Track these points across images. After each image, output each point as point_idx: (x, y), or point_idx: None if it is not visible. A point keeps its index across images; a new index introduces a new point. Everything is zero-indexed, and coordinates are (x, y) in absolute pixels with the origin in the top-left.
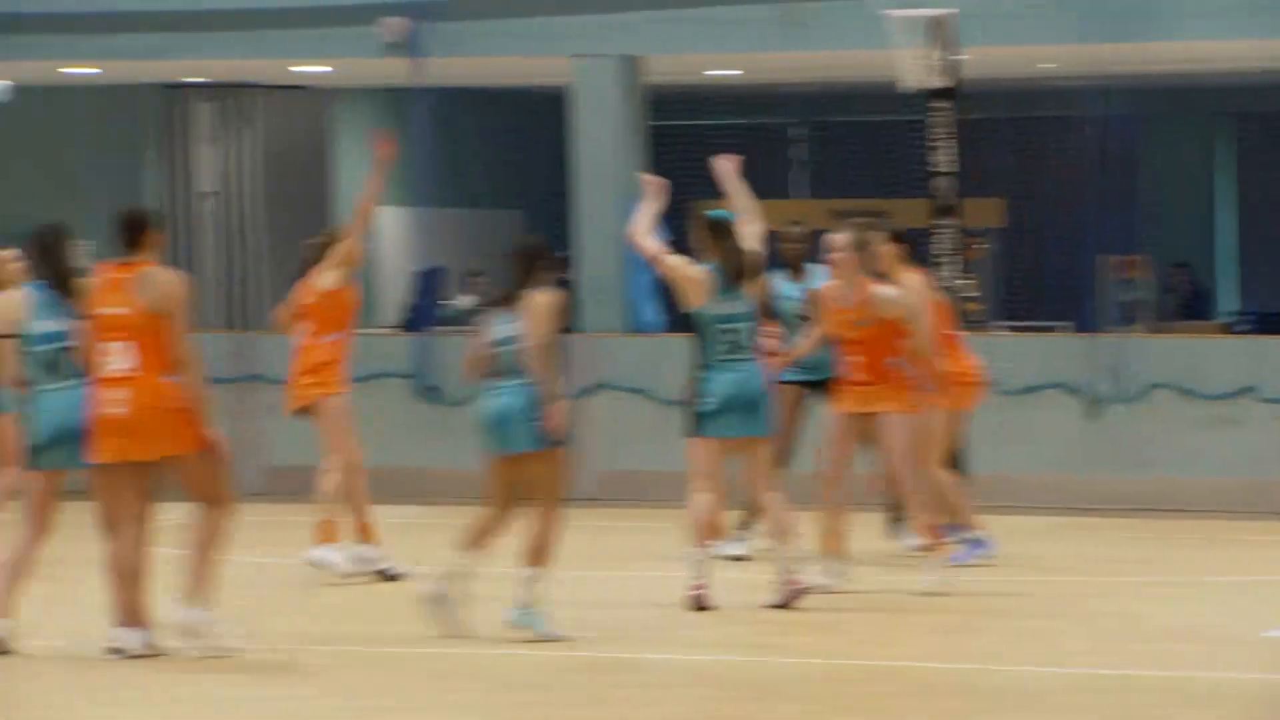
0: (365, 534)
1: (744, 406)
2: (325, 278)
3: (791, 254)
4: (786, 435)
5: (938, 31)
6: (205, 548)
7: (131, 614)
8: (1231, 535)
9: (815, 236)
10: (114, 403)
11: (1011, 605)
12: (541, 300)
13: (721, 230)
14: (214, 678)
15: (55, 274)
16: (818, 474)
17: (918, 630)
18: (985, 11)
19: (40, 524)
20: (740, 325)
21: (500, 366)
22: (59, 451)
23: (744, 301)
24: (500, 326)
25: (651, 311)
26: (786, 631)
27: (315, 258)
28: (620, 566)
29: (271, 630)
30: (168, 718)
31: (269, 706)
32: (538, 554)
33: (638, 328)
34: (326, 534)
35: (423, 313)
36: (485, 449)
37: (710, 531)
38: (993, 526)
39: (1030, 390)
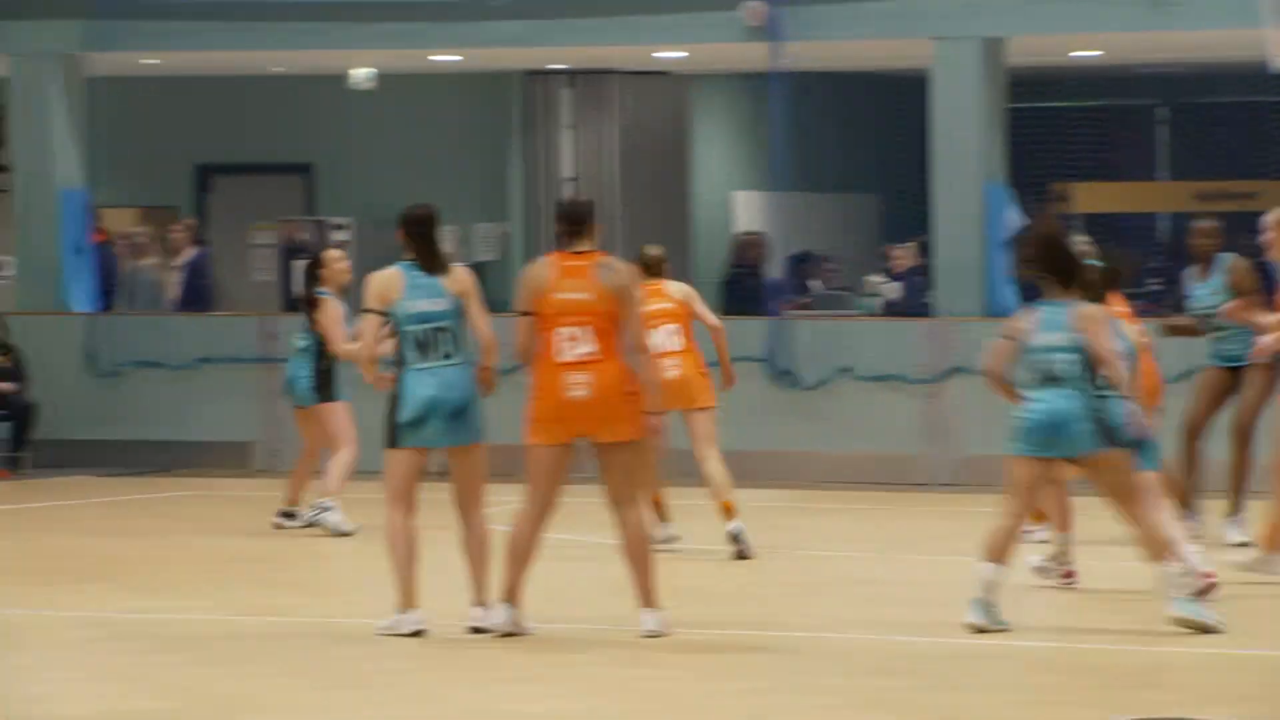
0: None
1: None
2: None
3: (1201, 249)
4: (1202, 420)
5: None
6: (644, 544)
7: (511, 593)
8: None
9: (1222, 228)
10: (576, 385)
11: None
12: (1093, 312)
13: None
14: (584, 657)
15: (427, 255)
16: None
17: None
18: None
19: (408, 503)
20: None
21: (1050, 372)
22: (425, 429)
23: None
24: (1047, 335)
25: (1010, 295)
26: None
27: None
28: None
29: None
30: (551, 696)
31: (646, 685)
32: (1158, 547)
33: (996, 311)
34: None
35: (783, 297)
36: (1029, 452)
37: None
38: None
39: None
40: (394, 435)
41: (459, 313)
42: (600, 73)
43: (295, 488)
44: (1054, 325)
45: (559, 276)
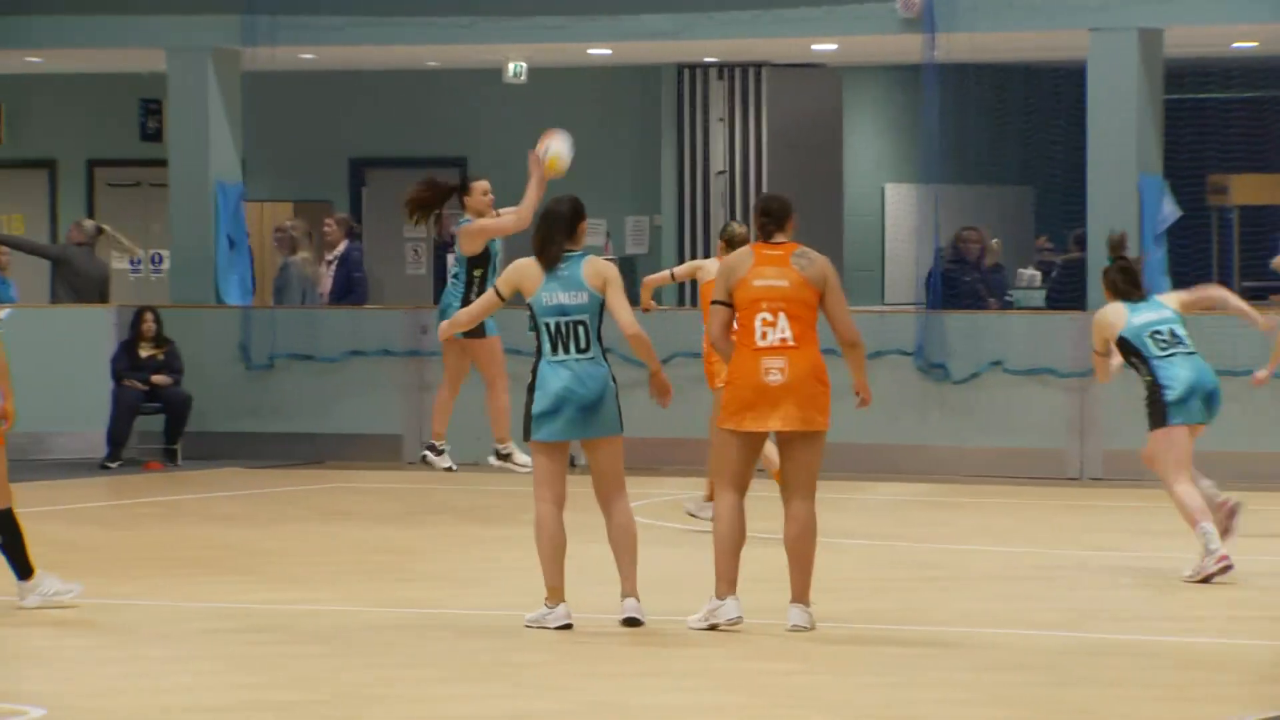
0: None
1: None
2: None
3: None
4: None
5: None
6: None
7: (729, 583)
8: None
9: None
10: (771, 371)
11: None
12: None
13: None
14: (720, 651)
15: (552, 249)
16: None
17: None
18: None
19: (555, 494)
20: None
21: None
22: (558, 421)
23: None
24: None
25: (1165, 286)
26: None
27: None
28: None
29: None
30: (681, 690)
31: (778, 680)
32: None
33: None
34: None
35: (936, 290)
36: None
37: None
38: None
39: None
40: (528, 427)
41: (598, 307)
42: (751, 65)
43: (439, 421)
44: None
45: (757, 265)
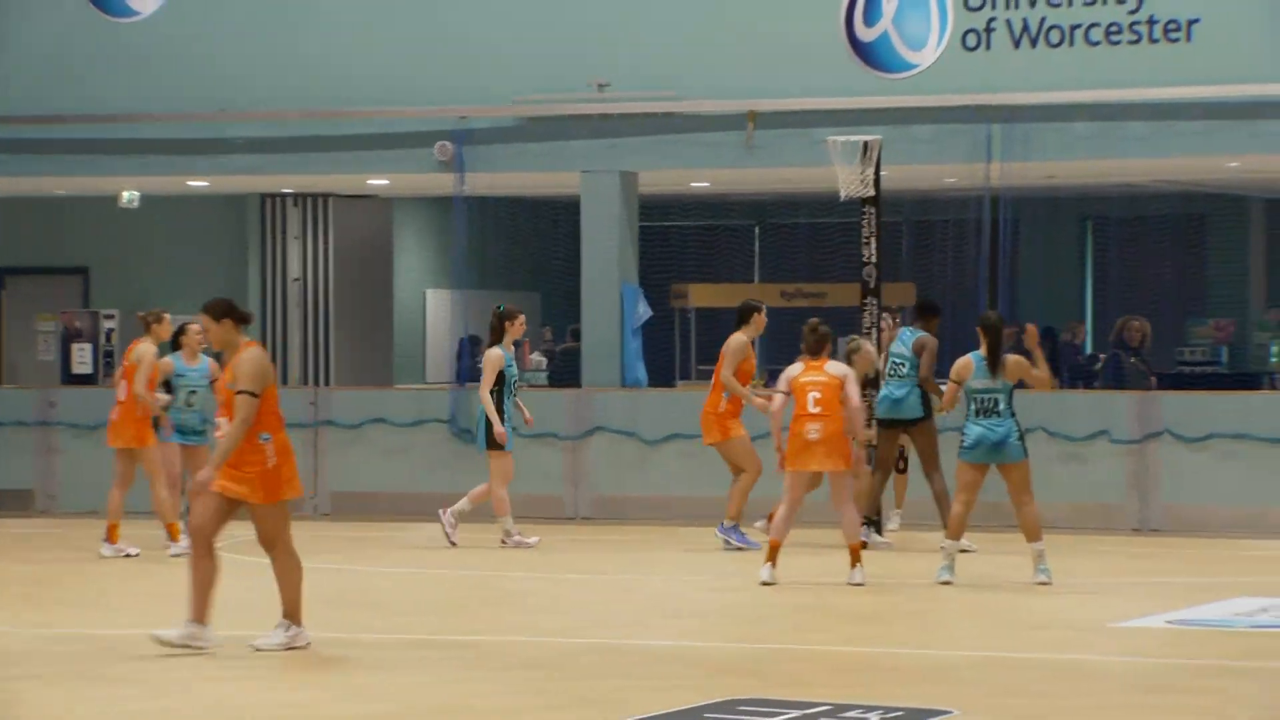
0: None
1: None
2: None
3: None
4: None
5: (866, 153)
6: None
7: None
8: (1086, 547)
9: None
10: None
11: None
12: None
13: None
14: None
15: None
16: None
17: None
18: (903, 138)
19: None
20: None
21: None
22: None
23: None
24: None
25: (640, 370)
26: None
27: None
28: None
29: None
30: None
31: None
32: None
33: (629, 383)
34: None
35: (463, 371)
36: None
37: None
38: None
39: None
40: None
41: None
42: (320, 195)
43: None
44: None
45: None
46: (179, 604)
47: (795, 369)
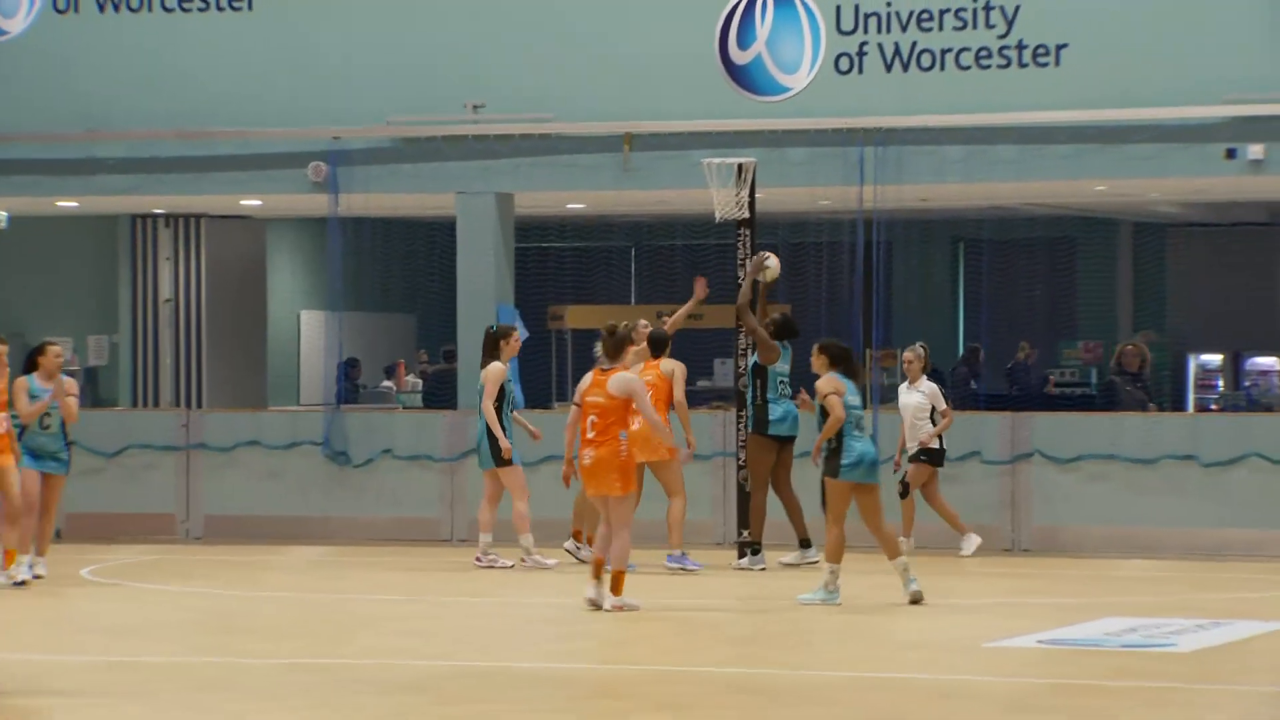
0: None
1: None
2: None
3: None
4: None
5: (741, 175)
6: None
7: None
8: (959, 567)
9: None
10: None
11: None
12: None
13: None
14: None
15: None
16: None
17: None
18: (777, 160)
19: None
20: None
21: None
22: None
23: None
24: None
25: (516, 392)
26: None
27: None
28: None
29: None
30: None
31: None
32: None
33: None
34: None
35: (339, 393)
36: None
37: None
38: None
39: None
40: None
41: None
42: (192, 216)
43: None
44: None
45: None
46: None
47: (585, 382)
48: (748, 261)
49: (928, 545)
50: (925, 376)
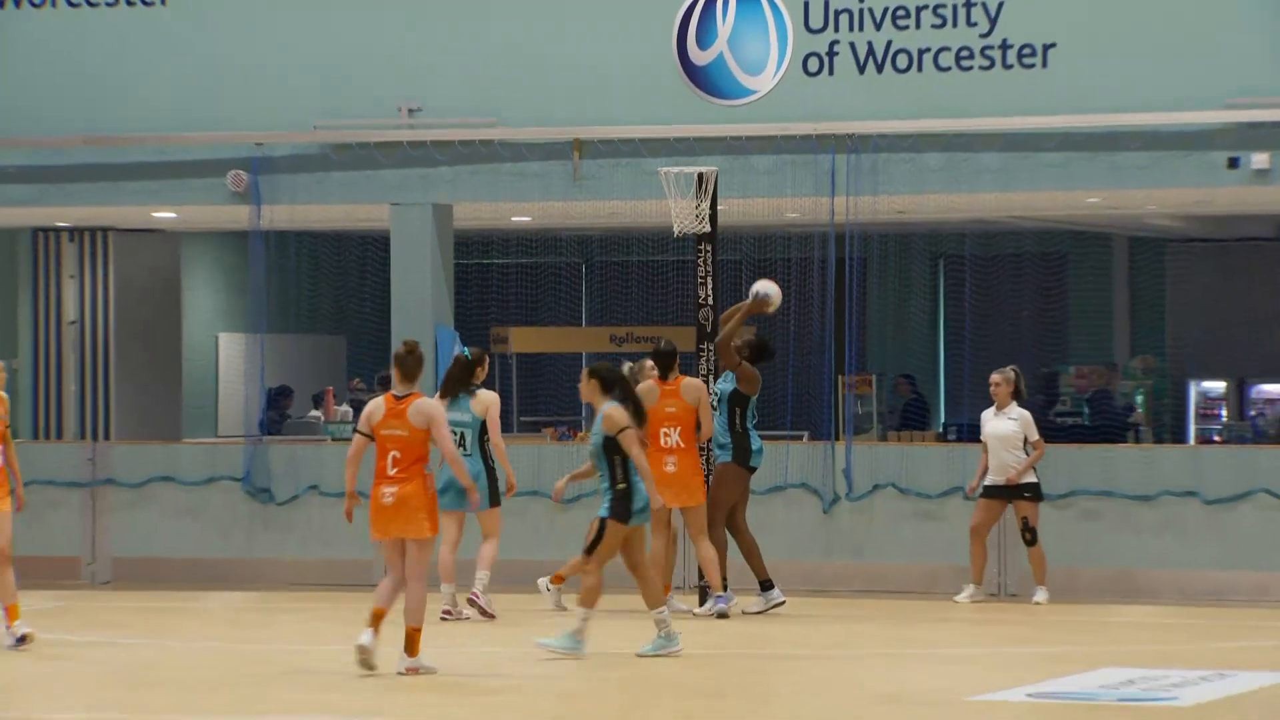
0: None
1: None
2: None
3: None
4: None
5: (701, 185)
6: None
7: None
8: (936, 613)
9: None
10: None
11: (758, 672)
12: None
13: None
14: None
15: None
16: None
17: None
18: (741, 169)
19: None
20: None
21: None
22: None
23: None
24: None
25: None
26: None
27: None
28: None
29: None
30: None
31: None
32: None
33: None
34: None
35: (265, 424)
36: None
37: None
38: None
39: (776, 489)
40: None
41: None
42: (100, 229)
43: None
44: None
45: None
46: None
47: (375, 409)
48: (709, 280)
49: (1019, 593)
50: (1015, 402)
